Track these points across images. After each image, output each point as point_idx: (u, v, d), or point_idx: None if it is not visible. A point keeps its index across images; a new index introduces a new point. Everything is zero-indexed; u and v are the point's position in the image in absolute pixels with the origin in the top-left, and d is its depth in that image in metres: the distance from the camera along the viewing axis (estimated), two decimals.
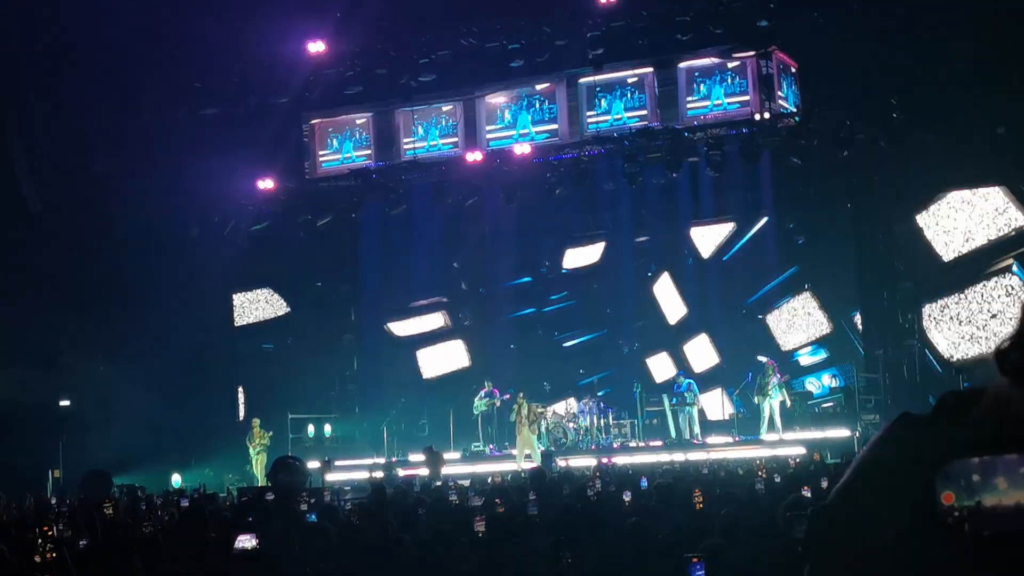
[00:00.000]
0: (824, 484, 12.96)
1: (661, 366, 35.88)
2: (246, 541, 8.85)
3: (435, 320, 38.53)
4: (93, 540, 10.71)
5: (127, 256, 33.39)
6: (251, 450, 31.49)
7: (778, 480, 15.85)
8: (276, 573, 8.93)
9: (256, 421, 32.07)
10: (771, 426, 29.95)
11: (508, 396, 31.82)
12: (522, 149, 32.84)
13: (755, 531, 9.12)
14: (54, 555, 7.69)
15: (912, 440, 2.06)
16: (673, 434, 31.07)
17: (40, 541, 7.71)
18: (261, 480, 29.77)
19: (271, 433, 32.31)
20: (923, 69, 29.77)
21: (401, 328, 38.47)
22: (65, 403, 33.45)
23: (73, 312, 33.31)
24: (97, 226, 33.29)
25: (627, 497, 13.34)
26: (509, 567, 9.02)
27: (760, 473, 17.76)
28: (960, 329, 31.06)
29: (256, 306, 38.08)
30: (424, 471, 26.04)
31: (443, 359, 38.12)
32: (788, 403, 30.28)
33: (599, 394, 32.91)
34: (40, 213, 33.74)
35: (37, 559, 7.64)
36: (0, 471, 28.55)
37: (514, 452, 30.04)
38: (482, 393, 32.51)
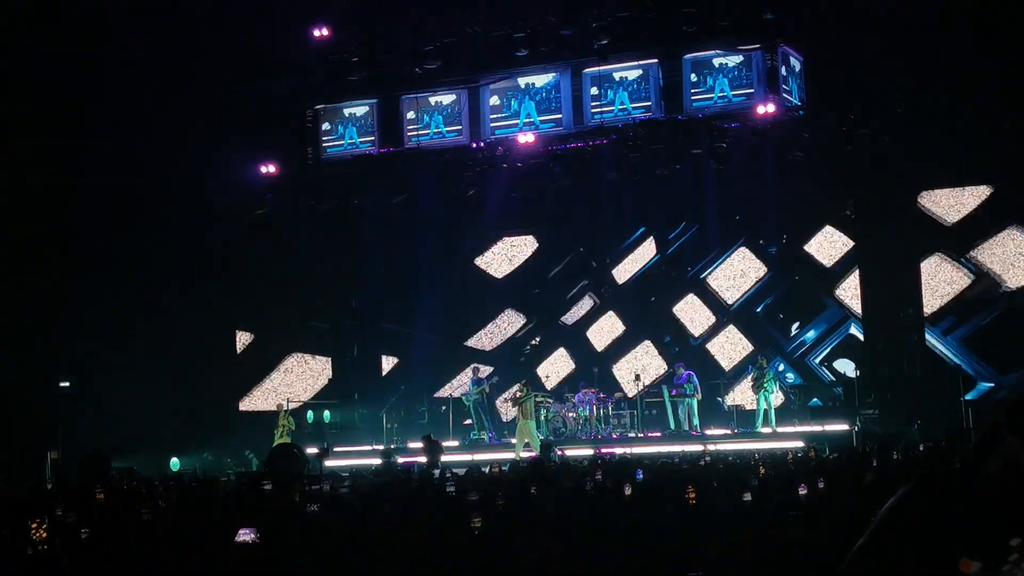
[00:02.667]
0: (821, 485, 12.93)
1: (823, 247, 36.01)
2: (247, 535, 8.84)
3: (587, 303, 38.93)
4: (89, 527, 10.70)
5: (127, 239, 33.39)
6: (276, 434, 31.54)
7: (774, 475, 15.83)
8: (275, 566, 8.93)
9: (280, 405, 32.15)
10: (766, 419, 30.08)
11: (497, 379, 32.06)
12: (526, 138, 32.80)
13: (751, 530, 9.11)
14: (46, 546, 7.67)
15: (930, 503, 2.05)
16: (672, 425, 31.09)
17: (34, 528, 7.69)
18: None
19: (289, 412, 32.40)
20: (927, 63, 29.75)
21: (570, 318, 38.80)
22: (64, 384, 33.42)
23: (72, 294, 33.32)
24: (98, 209, 33.26)
25: (627, 491, 13.34)
26: (506, 562, 9.04)
27: (761, 469, 17.74)
28: None
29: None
30: (423, 459, 26.07)
31: (607, 333, 38.83)
32: (782, 398, 30.47)
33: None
34: (41, 195, 33.70)
35: (29, 550, 7.62)
36: None
37: (513, 441, 30.03)
38: (471, 383, 32.52)
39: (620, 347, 38.16)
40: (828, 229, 36.09)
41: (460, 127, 33.87)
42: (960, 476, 2.09)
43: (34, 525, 7.92)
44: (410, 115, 34.25)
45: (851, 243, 35.13)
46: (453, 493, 13.17)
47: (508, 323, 39.45)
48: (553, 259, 39.13)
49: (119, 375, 32.85)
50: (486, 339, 39.57)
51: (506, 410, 34.59)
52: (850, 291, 34.68)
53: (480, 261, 40.00)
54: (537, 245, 39.51)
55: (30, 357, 33.77)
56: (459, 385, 37.42)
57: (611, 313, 38.88)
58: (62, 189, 33.76)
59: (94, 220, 33.17)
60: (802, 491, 11.45)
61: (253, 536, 8.94)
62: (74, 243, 33.34)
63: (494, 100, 33.60)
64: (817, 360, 35.09)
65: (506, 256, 39.91)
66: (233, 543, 8.94)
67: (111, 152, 33.70)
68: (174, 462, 31.52)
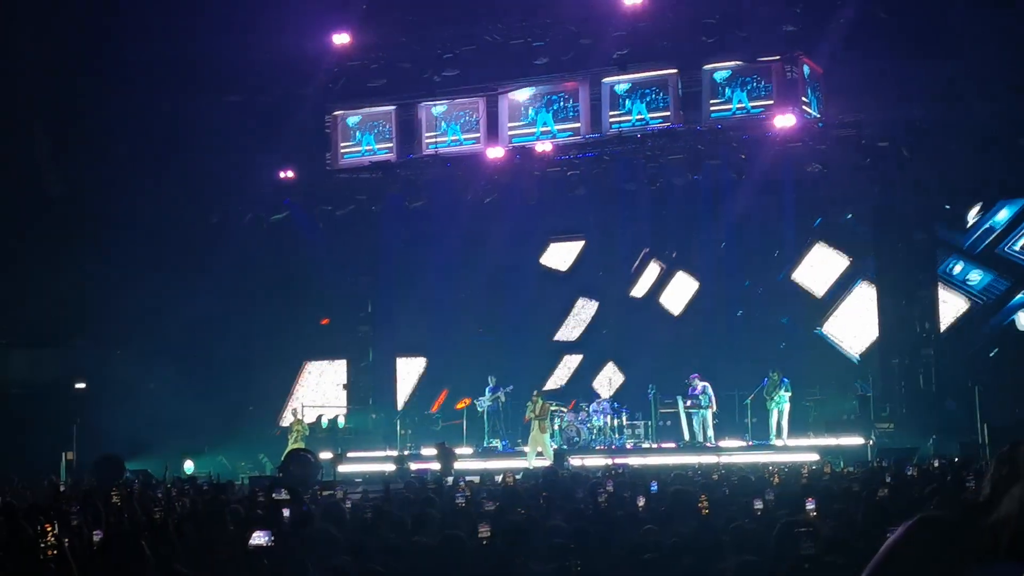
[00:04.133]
0: (831, 501, 12.88)
1: None
2: (260, 538, 8.82)
3: (654, 270, 38.03)
4: (102, 529, 10.72)
5: (144, 242, 33.49)
6: (290, 439, 31.53)
7: (786, 489, 15.76)
8: (287, 571, 8.92)
9: (294, 410, 32.12)
10: (778, 431, 29.99)
11: (511, 388, 32.02)
12: (543, 147, 32.83)
13: (763, 544, 9.08)
14: (55, 551, 7.68)
15: (931, 544, 2.05)
16: (687, 436, 31.02)
17: (47, 533, 7.70)
18: None
19: (303, 417, 32.39)
20: (948, 77, 29.68)
21: (638, 290, 38.14)
22: (80, 385, 33.52)
23: (89, 296, 33.45)
24: (116, 211, 33.39)
25: (640, 502, 13.32)
26: (516, 573, 9.03)
27: (774, 480, 17.70)
28: None
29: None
30: (436, 465, 26.07)
31: (682, 294, 37.72)
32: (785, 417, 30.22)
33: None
34: (61, 196, 33.84)
35: (40, 555, 7.63)
36: (14, 452, 28.70)
37: (526, 449, 30.02)
38: (487, 390, 32.46)
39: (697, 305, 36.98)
40: None
41: (478, 135, 33.91)
42: (965, 515, 2.10)
43: (47, 527, 7.93)
44: (428, 122, 34.29)
45: None
46: (463, 504, 13.08)
47: (584, 310, 39.02)
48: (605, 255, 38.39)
49: (135, 376, 32.95)
50: (571, 330, 39.16)
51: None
52: None
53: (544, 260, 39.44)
54: (584, 243, 38.93)
55: (46, 358, 33.91)
56: (559, 379, 37.66)
57: (681, 273, 37.67)
58: (81, 191, 33.92)
59: (112, 223, 33.27)
60: (810, 505, 11.40)
61: (267, 540, 8.91)
62: (90, 245, 33.45)
63: (512, 108, 33.63)
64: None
65: (560, 256, 39.42)
66: (246, 547, 8.92)
67: (128, 156, 33.82)
68: (188, 465, 31.56)
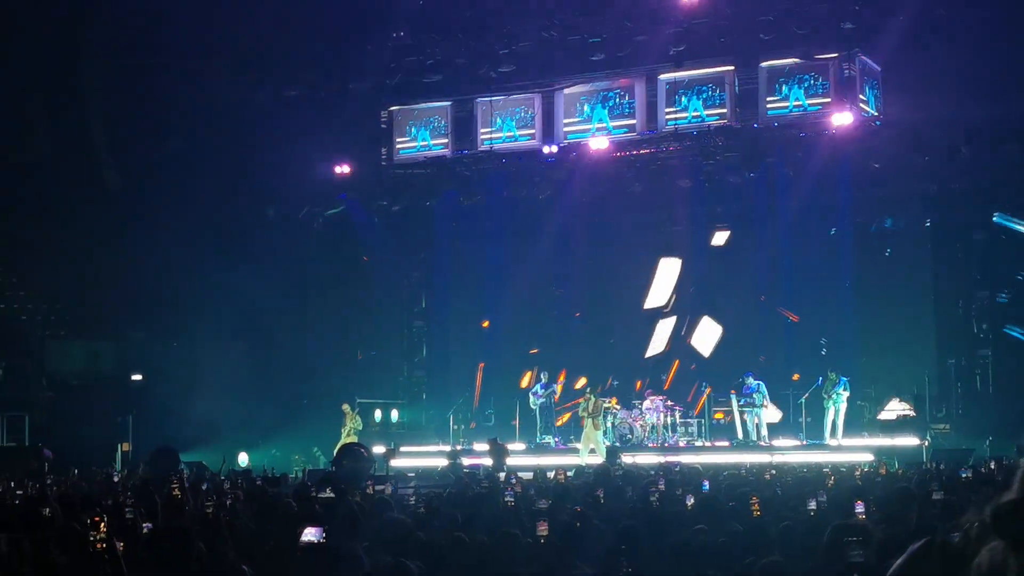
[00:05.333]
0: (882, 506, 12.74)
1: None
2: (313, 535, 8.84)
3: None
4: (155, 523, 10.79)
5: (202, 235, 33.70)
6: (343, 433, 31.57)
7: (840, 489, 15.61)
8: (339, 566, 8.93)
9: (346, 406, 32.14)
10: (833, 431, 29.75)
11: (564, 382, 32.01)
12: (599, 143, 32.76)
13: (811, 548, 8.99)
14: (103, 544, 7.73)
15: (937, 569, 2.05)
16: (740, 435, 30.86)
17: (96, 529, 7.74)
18: None
19: (357, 411, 32.40)
20: (1005, 77, 29.38)
21: (718, 239, 36.70)
22: (136, 377, 33.80)
23: (147, 288, 33.70)
24: (173, 205, 33.62)
25: (690, 502, 13.26)
26: (568, 572, 9.00)
27: (829, 481, 17.56)
28: None
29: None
30: (488, 461, 26.08)
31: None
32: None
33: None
34: (119, 189, 34.12)
35: (89, 548, 7.69)
36: (72, 443, 28.99)
37: (578, 446, 29.98)
38: (538, 386, 32.30)
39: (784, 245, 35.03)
40: None
41: (533, 131, 33.87)
42: (970, 542, 2.09)
43: (97, 520, 7.98)
44: (483, 118, 34.29)
45: None
46: (512, 503, 13.00)
47: (669, 271, 38.10)
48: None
49: (191, 369, 33.16)
50: (659, 295, 38.36)
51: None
52: None
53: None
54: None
55: (103, 350, 34.21)
56: (658, 345, 36.85)
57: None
58: (140, 184, 34.18)
59: (169, 216, 33.51)
60: (859, 508, 11.27)
61: (318, 537, 8.93)
62: (148, 238, 33.68)
63: (567, 105, 33.58)
64: None
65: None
66: (300, 544, 8.94)
67: (186, 149, 34.05)
68: (243, 458, 31.74)
